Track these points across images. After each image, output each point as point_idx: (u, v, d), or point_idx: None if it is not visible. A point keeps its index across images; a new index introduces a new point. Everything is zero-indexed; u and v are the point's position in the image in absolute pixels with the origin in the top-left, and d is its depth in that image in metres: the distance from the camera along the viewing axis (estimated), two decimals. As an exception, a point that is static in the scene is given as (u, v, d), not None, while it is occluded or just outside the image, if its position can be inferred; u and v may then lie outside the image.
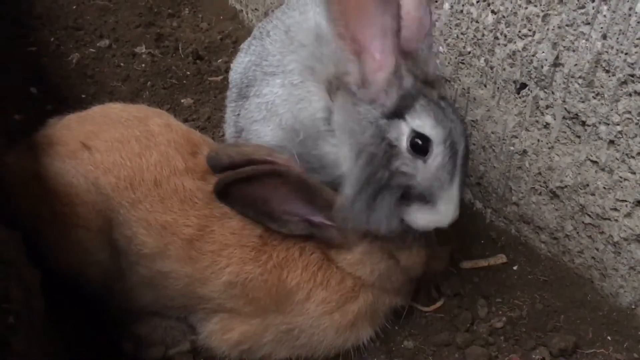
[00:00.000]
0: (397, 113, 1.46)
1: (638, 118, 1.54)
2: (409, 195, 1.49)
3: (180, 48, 3.16)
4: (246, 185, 1.54)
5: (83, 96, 2.73)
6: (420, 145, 1.45)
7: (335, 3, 1.39)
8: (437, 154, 1.45)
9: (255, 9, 3.28)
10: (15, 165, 1.62)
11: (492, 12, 1.80)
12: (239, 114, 1.90)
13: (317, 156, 1.58)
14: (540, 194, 1.88)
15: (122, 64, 2.99)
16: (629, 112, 1.54)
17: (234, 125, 1.95)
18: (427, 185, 1.47)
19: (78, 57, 3.01)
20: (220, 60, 3.08)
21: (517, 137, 1.88)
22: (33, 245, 1.48)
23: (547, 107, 1.74)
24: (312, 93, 1.61)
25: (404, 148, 1.46)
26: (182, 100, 2.77)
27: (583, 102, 1.64)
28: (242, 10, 3.46)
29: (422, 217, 1.51)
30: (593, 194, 1.72)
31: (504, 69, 1.83)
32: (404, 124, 1.45)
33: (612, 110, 1.58)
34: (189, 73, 2.97)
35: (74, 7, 3.49)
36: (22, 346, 1.18)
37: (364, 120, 1.47)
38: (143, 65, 2.99)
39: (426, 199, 1.48)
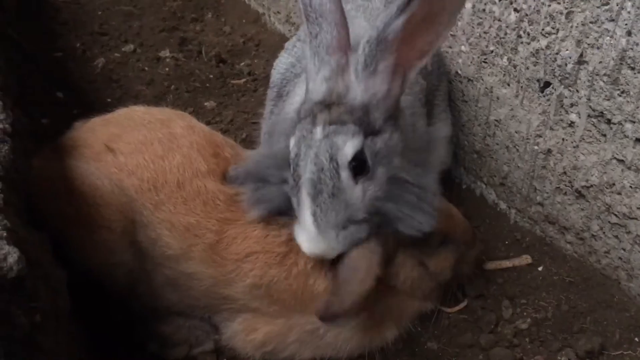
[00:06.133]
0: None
1: (665, 115, 1.51)
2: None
3: (203, 52, 3.20)
4: None
5: (108, 100, 2.77)
6: None
7: None
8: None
9: (278, 12, 3.30)
10: (42, 167, 1.64)
11: (515, 10, 1.78)
12: (274, 112, 1.93)
13: None
14: (565, 193, 1.86)
15: (146, 68, 3.04)
16: (656, 110, 1.52)
17: (269, 124, 1.97)
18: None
19: (103, 62, 3.06)
20: (243, 64, 3.11)
21: (541, 137, 1.86)
22: (59, 245, 1.50)
23: (572, 105, 1.72)
24: (303, 89, 1.61)
25: None
26: (205, 104, 2.79)
27: (608, 100, 1.61)
28: (264, 14, 3.47)
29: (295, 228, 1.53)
30: (619, 193, 1.69)
31: (528, 68, 1.81)
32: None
33: (637, 107, 1.55)
34: (212, 76, 3.00)
35: (99, 12, 3.55)
36: (48, 344, 1.19)
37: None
38: (167, 69, 3.03)
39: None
